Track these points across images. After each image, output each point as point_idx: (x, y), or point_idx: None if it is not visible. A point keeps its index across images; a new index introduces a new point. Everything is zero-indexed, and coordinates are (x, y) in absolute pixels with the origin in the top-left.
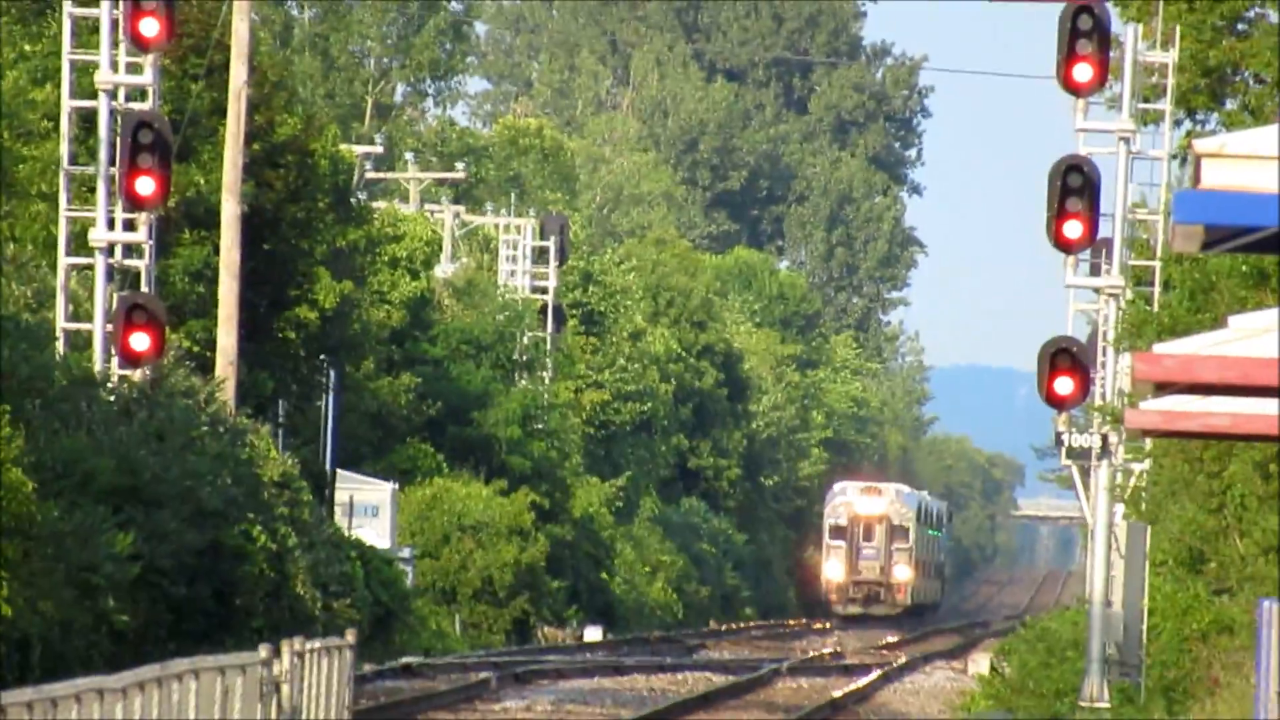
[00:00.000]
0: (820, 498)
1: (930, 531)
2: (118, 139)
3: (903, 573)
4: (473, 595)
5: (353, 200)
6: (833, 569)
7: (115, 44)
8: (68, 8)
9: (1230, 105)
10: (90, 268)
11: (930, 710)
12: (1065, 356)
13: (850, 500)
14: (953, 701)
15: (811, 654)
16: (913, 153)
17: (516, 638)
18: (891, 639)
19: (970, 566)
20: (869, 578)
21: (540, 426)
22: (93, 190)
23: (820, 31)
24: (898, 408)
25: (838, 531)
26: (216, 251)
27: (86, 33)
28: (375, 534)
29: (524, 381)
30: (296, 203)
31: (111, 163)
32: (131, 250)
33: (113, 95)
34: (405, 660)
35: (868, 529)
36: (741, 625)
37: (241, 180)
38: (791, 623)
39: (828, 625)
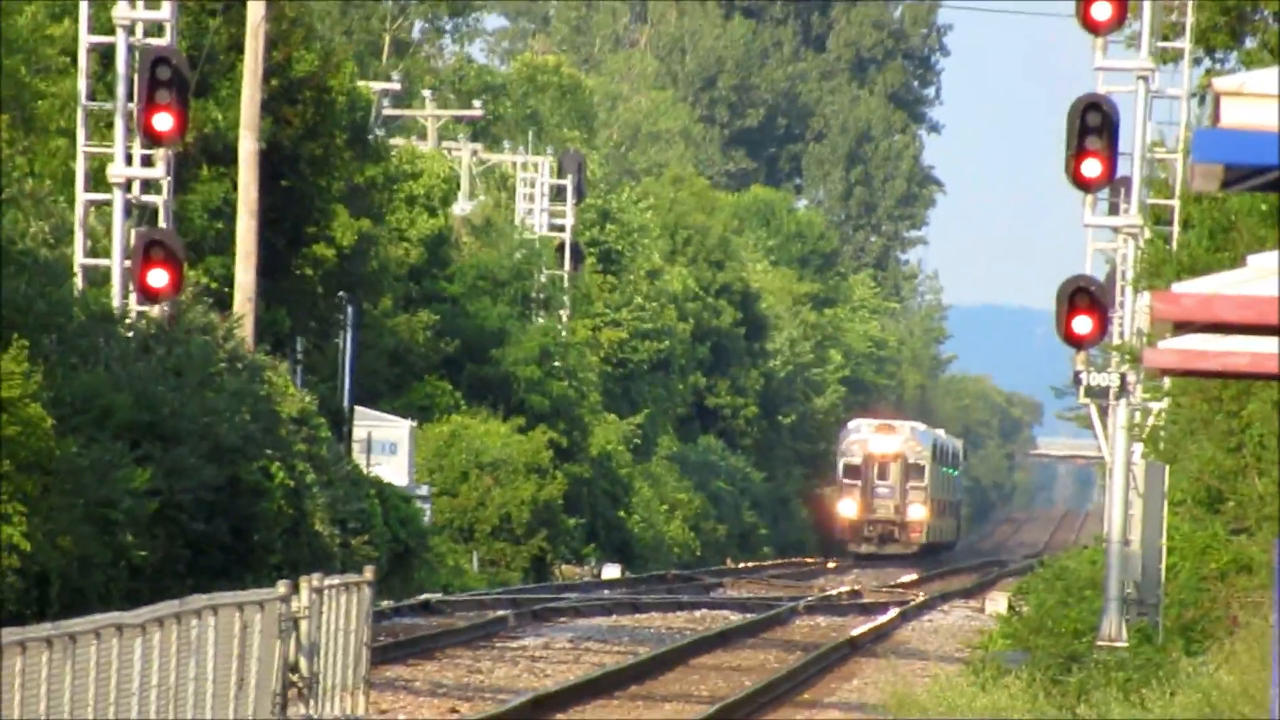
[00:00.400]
0: (837, 436)
1: (946, 470)
2: (136, 75)
3: (918, 512)
4: (490, 533)
5: (370, 137)
6: (847, 508)
7: None
8: None
9: (1250, 44)
10: (108, 204)
11: (948, 649)
12: (1083, 296)
13: (865, 438)
14: (970, 640)
15: (830, 592)
16: (931, 91)
17: (534, 575)
18: (907, 578)
19: (988, 506)
20: (884, 517)
21: (558, 365)
22: (111, 126)
23: None
24: (916, 347)
25: (852, 470)
26: (234, 188)
27: None
28: (393, 471)
29: (541, 319)
30: (314, 139)
31: (129, 99)
32: (149, 186)
33: (130, 31)
34: (423, 597)
35: (882, 467)
36: (756, 564)
37: (259, 117)
38: (808, 561)
39: (837, 565)
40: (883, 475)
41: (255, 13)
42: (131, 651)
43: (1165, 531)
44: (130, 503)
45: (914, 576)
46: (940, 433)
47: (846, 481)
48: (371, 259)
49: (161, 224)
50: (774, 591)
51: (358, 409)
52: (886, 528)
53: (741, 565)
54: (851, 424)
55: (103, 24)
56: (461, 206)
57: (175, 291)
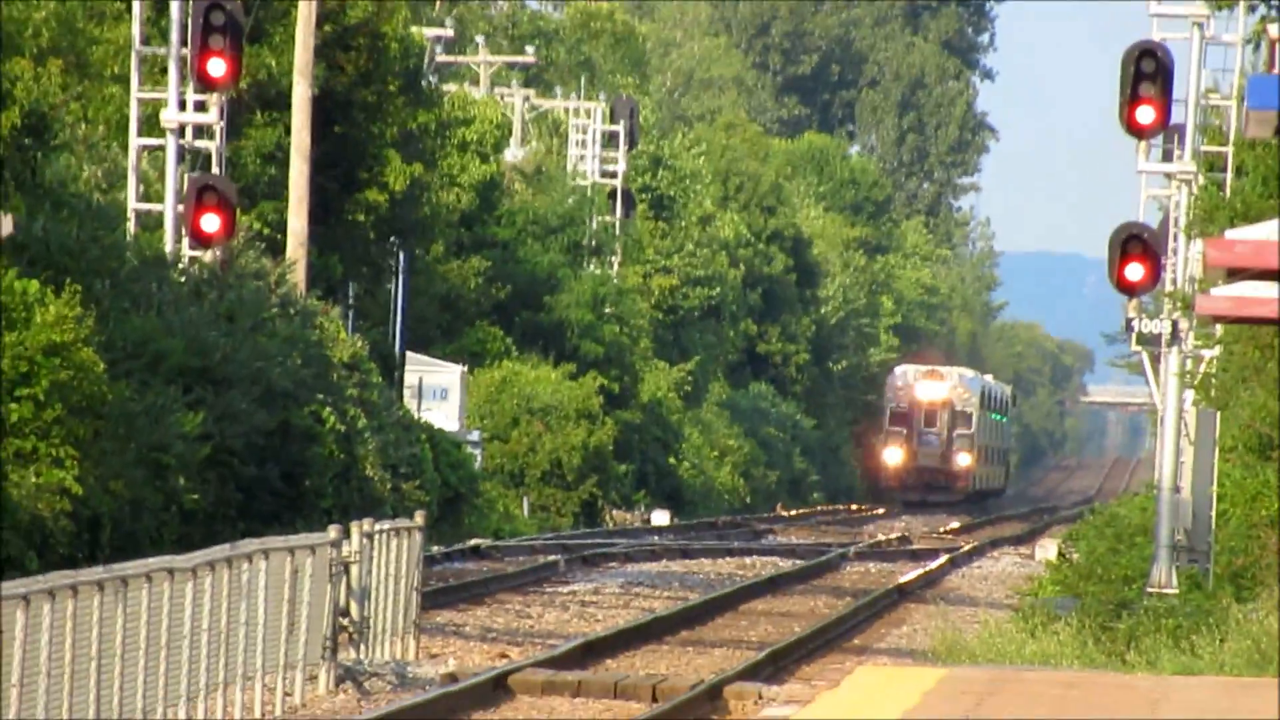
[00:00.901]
0: (884, 382)
1: (994, 416)
2: (189, 20)
3: (964, 460)
4: (541, 478)
5: (423, 83)
6: (892, 455)
7: None
8: None
9: None
10: (161, 149)
11: (997, 596)
12: (1136, 243)
13: (911, 384)
14: (1020, 587)
15: (880, 538)
16: (985, 38)
17: (584, 521)
18: (954, 525)
19: (1039, 452)
20: (930, 464)
21: (609, 311)
22: (165, 72)
23: None
24: (967, 294)
25: (898, 417)
26: (287, 134)
27: None
28: (444, 416)
29: (593, 267)
30: (367, 86)
31: (183, 44)
32: (202, 132)
33: None
34: (473, 542)
35: (929, 414)
36: (806, 511)
37: (312, 63)
38: (856, 508)
39: (885, 511)
40: (930, 423)
41: None
42: (183, 595)
43: (1216, 479)
44: (182, 447)
45: (955, 525)
46: (989, 379)
47: (892, 429)
48: (423, 205)
49: (214, 169)
50: (824, 538)
51: (409, 354)
52: (933, 475)
53: (792, 512)
54: (898, 370)
55: None
56: (513, 153)
57: (227, 237)
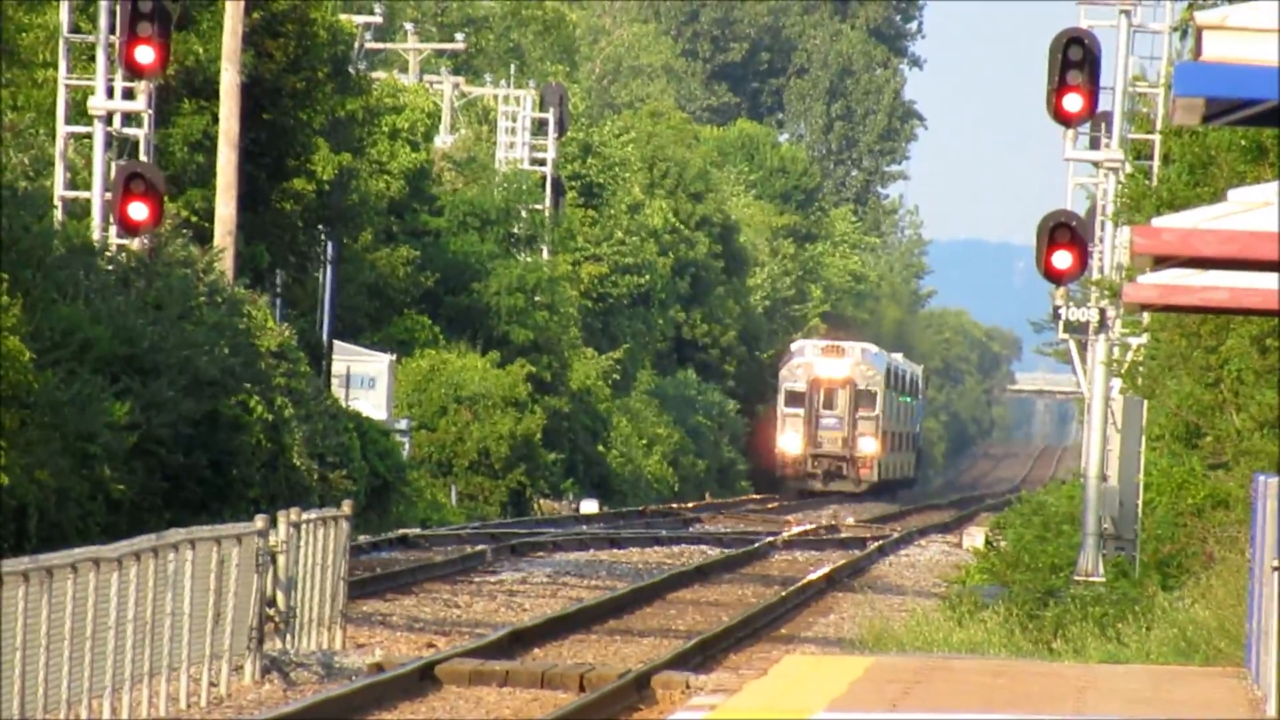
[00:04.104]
0: (779, 359)
1: (902, 398)
2: (118, 7)
3: (869, 445)
4: (469, 467)
5: (352, 71)
6: (789, 441)
7: None
8: None
9: None
10: (89, 136)
11: (925, 584)
12: (1064, 230)
13: (809, 361)
14: (948, 575)
15: (808, 526)
16: (913, 25)
17: (513, 510)
18: (849, 520)
19: (967, 440)
20: (830, 450)
21: (538, 299)
22: (93, 59)
23: None
24: (895, 282)
25: (794, 398)
26: (216, 121)
27: None
28: (372, 405)
29: (524, 255)
30: (296, 73)
31: (112, 31)
32: (130, 119)
33: None
34: (401, 531)
35: (829, 394)
36: (734, 500)
37: (241, 50)
38: (747, 500)
39: (778, 505)
40: (829, 404)
41: None
42: (109, 585)
43: (1142, 467)
44: (109, 436)
45: (871, 519)
46: (897, 356)
47: (788, 411)
48: (352, 193)
49: (142, 157)
50: (752, 526)
51: (337, 343)
52: (833, 463)
53: (719, 500)
54: (794, 345)
55: None
56: (443, 140)
57: (155, 224)
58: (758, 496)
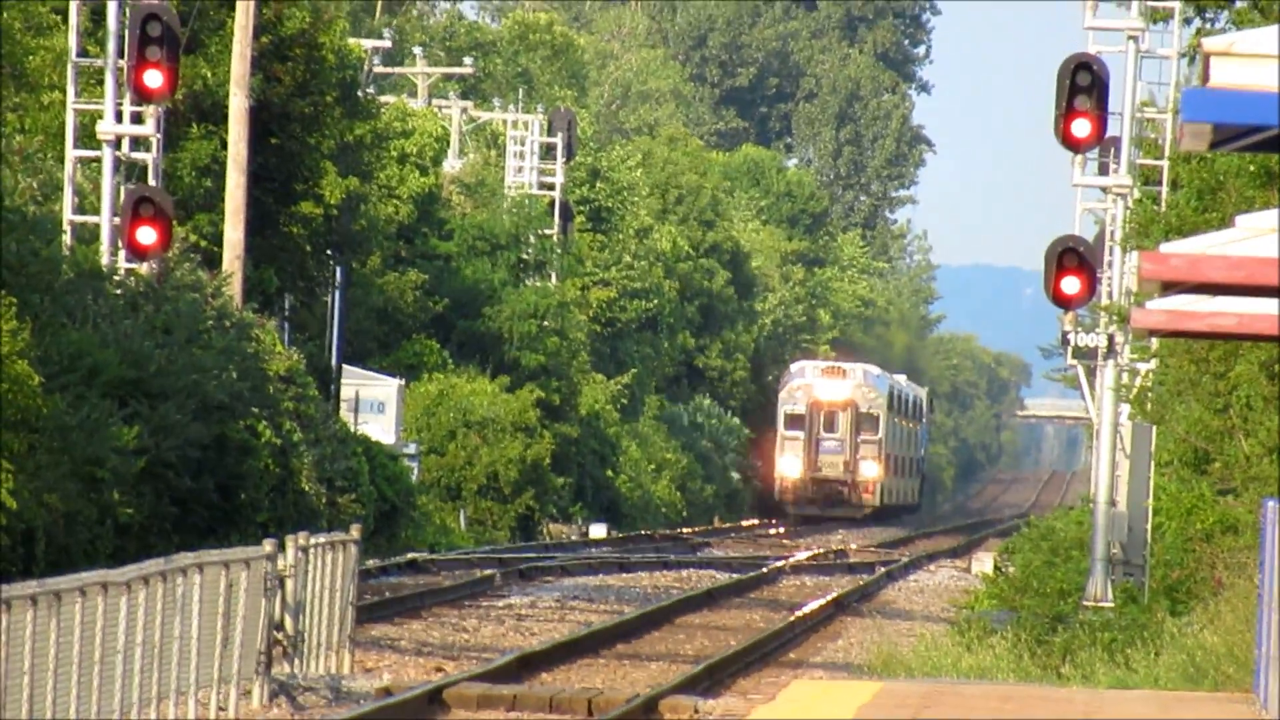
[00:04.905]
0: (779, 380)
1: (906, 421)
2: (126, 31)
3: (870, 469)
4: (478, 491)
5: (360, 95)
6: (788, 464)
7: None
8: None
9: (1240, 3)
10: (98, 161)
11: (934, 609)
12: (1072, 256)
13: (809, 383)
14: (956, 600)
15: (816, 551)
16: (921, 50)
17: (521, 534)
18: (853, 546)
19: (976, 466)
20: (830, 475)
21: (547, 324)
22: (101, 83)
23: None
24: (904, 307)
25: (794, 420)
26: (224, 145)
27: None
28: (381, 429)
29: (534, 281)
30: (304, 97)
31: (120, 55)
32: (139, 143)
33: None
34: (410, 556)
35: (830, 417)
36: (743, 524)
37: (249, 74)
38: (743, 525)
39: (780, 531)
40: (830, 426)
41: None
42: (117, 609)
43: (1151, 492)
44: (117, 460)
45: (867, 545)
46: (900, 378)
47: (788, 434)
48: (360, 217)
49: (151, 181)
50: (761, 550)
51: (345, 367)
52: (834, 487)
53: (728, 525)
54: (794, 366)
55: None
56: (451, 164)
57: (164, 249)
58: (747, 524)
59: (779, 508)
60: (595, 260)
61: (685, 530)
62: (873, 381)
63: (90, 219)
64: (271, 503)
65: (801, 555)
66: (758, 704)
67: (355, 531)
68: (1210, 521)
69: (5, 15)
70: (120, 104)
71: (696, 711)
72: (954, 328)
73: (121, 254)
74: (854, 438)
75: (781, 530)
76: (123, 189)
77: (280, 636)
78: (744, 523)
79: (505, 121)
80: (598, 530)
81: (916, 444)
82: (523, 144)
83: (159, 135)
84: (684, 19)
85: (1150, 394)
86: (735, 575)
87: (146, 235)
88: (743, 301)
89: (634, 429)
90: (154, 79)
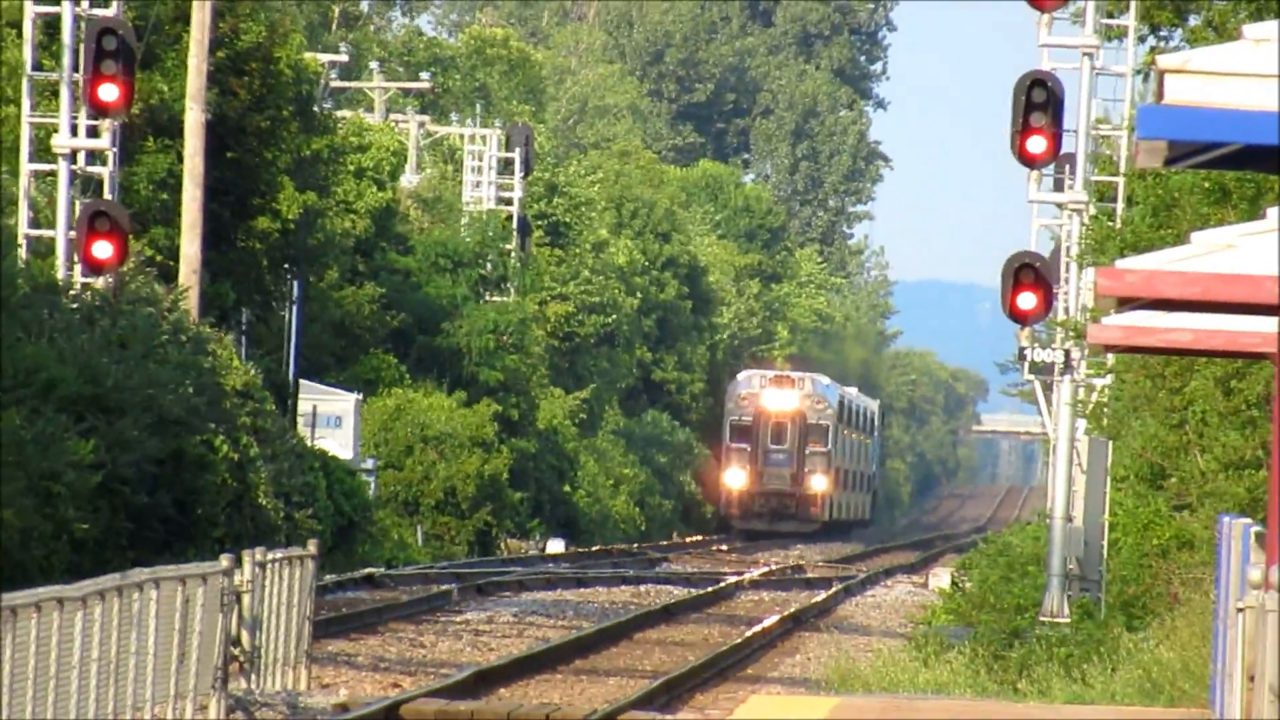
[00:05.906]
0: (725, 390)
1: (856, 434)
2: (82, 45)
3: (819, 483)
4: (435, 506)
5: (317, 109)
6: (733, 477)
7: None
8: None
9: (1194, 21)
10: (53, 174)
11: (891, 624)
12: (1028, 272)
13: (756, 392)
14: (914, 615)
15: (774, 566)
16: (878, 66)
17: (479, 549)
18: (799, 563)
19: (933, 481)
20: (777, 487)
21: (507, 340)
22: (56, 96)
23: None
24: (861, 322)
25: (740, 431)
26: (180, 159)
27: None
28: (338, 445)
29: (493, 297)
30: (261, 111)
31: (75, 69)
32: (94, 157)
33: (76, 1)
34: (367, 571)
35: (777, 428)
36: (701, 538)
37: (205, 88)
38: (684, 541)
39: (721, 548)
40: (777, 438)
41: None
42: (72, 625)
43: (1108, 508)
44: (73, 475)
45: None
46: (851, 390)
47: (734, 445)
48: (317, 232)
49: (106, 195)
50: (719, 566)
51: (303, 382)
52: (781, 501)
53: (687, 539)
54: (741, 375)
55: None
56: (409, 179)
57: (120, 263)
58: (688, 540)
59: (725, 522)
60: (553, 275)
61: (637, 545)
62: (822, 391)
63: (45, 233)
64: (228, 518)
65: (759, 571)
66: (715, 719)
67: (312, 547)
68: (1166, 537)
69: None
70: (76, 118)
71: None
72: (911, 343)
73: (77, 268)
74: (801, 450)
75: (725, 548)
76: (78, 203)
77: (237, 652)
78: (685, 539)
79: (463, 136)
80: (555, 545)
81: (868, 457)
82: (480, 159)
83: (115, 149)
84: (641, 34)
85: (1106, 409)
86: (693, 590)
87: (102, 249)
88: (699, 316)
89: (592, 444)
90: (110, 93)
